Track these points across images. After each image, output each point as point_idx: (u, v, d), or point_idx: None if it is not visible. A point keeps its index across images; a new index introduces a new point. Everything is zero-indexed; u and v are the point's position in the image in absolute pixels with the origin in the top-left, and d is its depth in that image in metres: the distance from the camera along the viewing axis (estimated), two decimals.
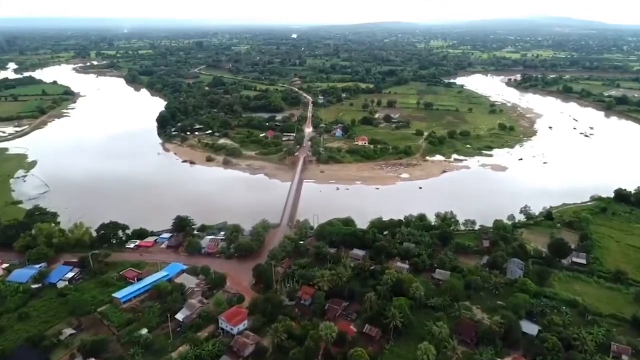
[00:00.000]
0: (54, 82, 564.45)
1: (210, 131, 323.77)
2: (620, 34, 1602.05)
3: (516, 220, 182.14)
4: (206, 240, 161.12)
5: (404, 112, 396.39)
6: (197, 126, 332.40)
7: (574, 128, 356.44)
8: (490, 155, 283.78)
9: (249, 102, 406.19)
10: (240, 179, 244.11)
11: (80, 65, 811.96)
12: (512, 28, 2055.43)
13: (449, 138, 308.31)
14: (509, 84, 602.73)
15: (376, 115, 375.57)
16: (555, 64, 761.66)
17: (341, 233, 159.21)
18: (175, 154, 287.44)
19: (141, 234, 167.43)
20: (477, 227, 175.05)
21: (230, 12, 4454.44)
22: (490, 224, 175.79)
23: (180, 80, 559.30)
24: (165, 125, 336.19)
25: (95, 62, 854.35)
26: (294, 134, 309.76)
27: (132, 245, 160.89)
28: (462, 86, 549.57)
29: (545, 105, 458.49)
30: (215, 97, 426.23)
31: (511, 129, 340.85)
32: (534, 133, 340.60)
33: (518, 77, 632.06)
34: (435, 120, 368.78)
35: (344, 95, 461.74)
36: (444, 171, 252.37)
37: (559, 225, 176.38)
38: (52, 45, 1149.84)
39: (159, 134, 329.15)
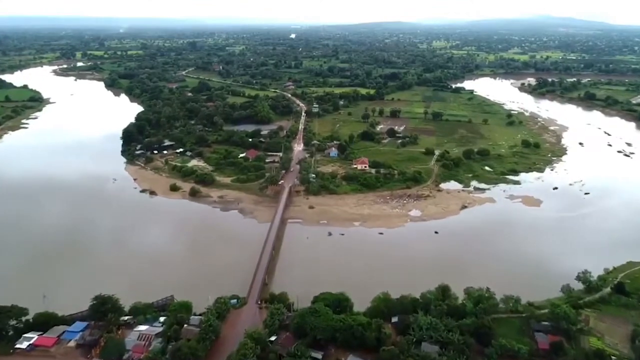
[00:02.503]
0: (24, 87, 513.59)
1: (181, 149, 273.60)
2: (627, 35, 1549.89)
3: (573, 290, 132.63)
4: (133, 338, 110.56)
5: (410, 123, 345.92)
6: (167, 143, 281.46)
7: (609, 144, 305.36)
8: (518, 183, 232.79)
9: (233, 112, 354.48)
10: (208, 217, 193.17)
11: (61, 67, 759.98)
12: (514, 28, 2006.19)
13: (465, 159, 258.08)
14: (522, 88, 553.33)
15: (378, 128, 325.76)
16: (568, 67, 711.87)
17: (330, 327, 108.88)
18: (135, 179, 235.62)
19: (45, 321, 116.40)
20: (521, 305, 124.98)
21: (230, 11, 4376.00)
22: (535, 295, 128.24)
23: (163, 84, 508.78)
24: (131, 141, 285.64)
25: (81, 64, 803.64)
26: (281, 154, 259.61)
27: (25, 345, 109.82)
28: (472, 92, 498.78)
29: (567, 114, 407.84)
30: (196, 105, 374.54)
31: (536, 146, 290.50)
32: (564, 151, 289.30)
33: (532, 81, 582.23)
34: (446, 134, 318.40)
35: (341, 102, 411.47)
36: (464, 206, 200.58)
37: (637, 303, 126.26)
38: (40, 46, 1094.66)
39: (123, 153, 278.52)
